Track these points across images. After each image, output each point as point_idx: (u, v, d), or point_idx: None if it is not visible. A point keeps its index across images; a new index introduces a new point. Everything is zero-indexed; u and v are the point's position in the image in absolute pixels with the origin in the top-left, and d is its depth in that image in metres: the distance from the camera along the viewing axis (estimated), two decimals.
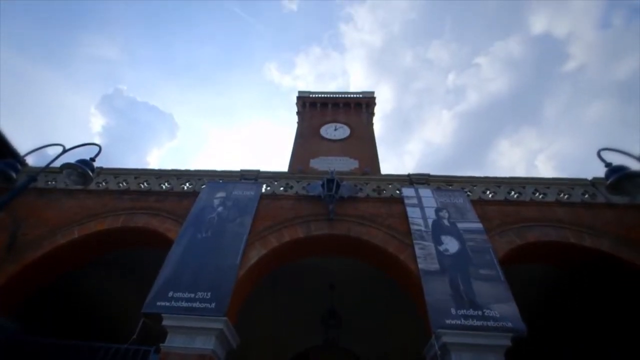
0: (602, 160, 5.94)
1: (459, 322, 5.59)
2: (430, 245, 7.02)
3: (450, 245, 7.02)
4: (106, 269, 10.00)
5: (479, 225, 7.47)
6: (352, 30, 62.37)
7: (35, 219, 8.03)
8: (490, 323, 5.53)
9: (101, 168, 9.79)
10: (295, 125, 24.30)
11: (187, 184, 9.32)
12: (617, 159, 5.89)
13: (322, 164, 18.56)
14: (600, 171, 6.21)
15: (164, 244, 7.47)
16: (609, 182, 5.67)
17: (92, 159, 6.58)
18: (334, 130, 22.21)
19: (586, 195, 8.52)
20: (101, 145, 6.77)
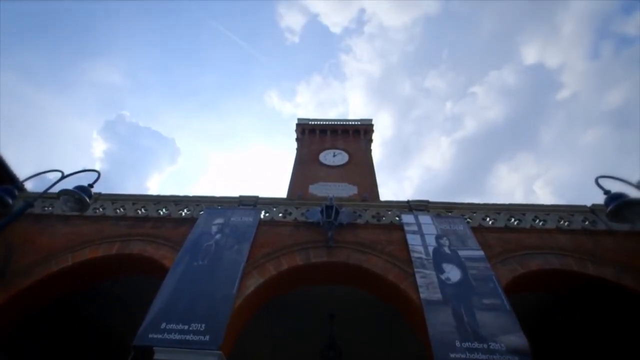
0: (601, 187, 5.96)
1: (463, 356, 5.37)
2: (431, 273, 6.88)
3: (452, 273, 6.88)
4: (100, 298, 9.70)
5: (481, 253, 7.36)
6: (352, 60, 64.59)
7: (30, 245, 7.88)
8: (496, 357, 5.31)
9: (99, 194, 9.75)
10: (295, 152, 24.56)
11: (185, 210, 9.24)
12: (615, 187, 5.91)
13: (321, 190, 18.57)
14: (598, 197, 6.21)
15: (159, 271, 7.30)
16: (609, 209, 5.66)
17: (90, 185, 6.56)
18: (333, 157, 22.40)
19: (586, 222, 8.47)
20: (101, 170, 6.78)
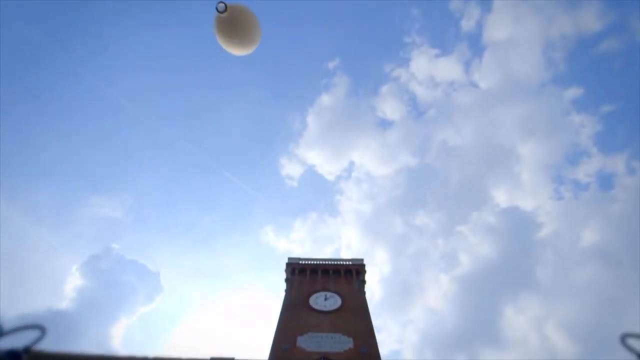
0: (629, 349, 4.89)
1: None
2: None
3: None
4: None
5: None
6: (345, 200, 68.78)
7: None
8: None
9: (40, 352, 7.94)
10: (283, 294, 22.68)
11: None
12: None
13: (311, 342, 16.13)
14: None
15: None
16: None
17: (27, 350, 5.22)
18: (324, 300, 20.56)
19: None
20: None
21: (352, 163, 72.56)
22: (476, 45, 71.33)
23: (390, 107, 70.44)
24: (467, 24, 63.24)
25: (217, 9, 2.50)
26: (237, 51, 3.05)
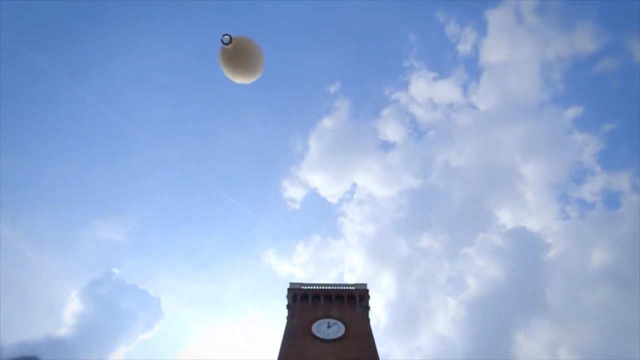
0: None
1: None
2: None
3: None
4: None
5: None
6: (348, 222, 67.99)
7: None
8: None
9: None
10: (285, 320, 22.03)
11: None
12: None
13: None
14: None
15: None
16: None
17: None
18: (327, 328, 19.95)
19: None
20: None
21: (354, 185, 72.58)
22: (473, 68, 73.01)
23: (391, 129, 71.22)
24: (463, 48, 65.00)
25: (222, 41, 2.54)
26: (240, 80, 3.10)
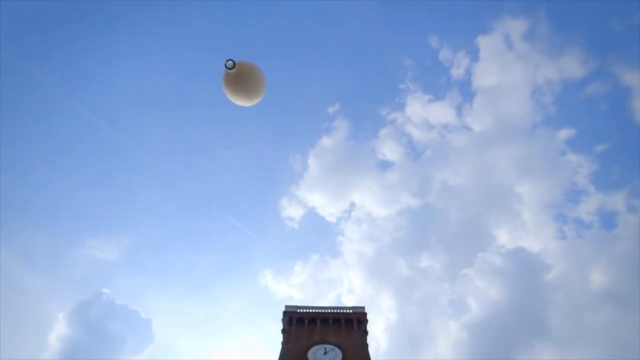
0: None
1: None
2: None
3: None
4: None
5: None
6: (347, 241, 67.33)
7: None
8: None
9: None
10: (279, 346, 21.28)
11: None
12: None
13: None
14: None
15: None
16: None
17: None
18: (324, 354, 19.31)
19: None
20: None
21: (353, 204, 72.37)
22: (467, 91, 74.90)
23: (389, 149, 71.86)
24: (456, 72, 66.77)
25: (225, 65, 2.52)
26: (243, 103, 3.09)
